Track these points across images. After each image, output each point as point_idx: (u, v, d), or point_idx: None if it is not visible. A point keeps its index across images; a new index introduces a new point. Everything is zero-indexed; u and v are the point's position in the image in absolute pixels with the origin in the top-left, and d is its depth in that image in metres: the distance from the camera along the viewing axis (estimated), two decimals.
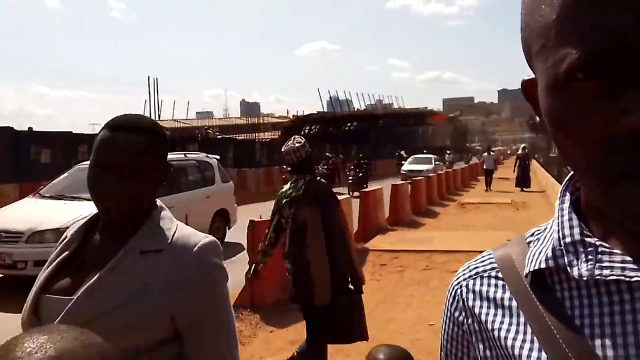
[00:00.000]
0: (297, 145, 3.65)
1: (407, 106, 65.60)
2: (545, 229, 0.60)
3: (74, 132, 16.64)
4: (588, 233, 0.53)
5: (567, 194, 0.58)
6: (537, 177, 24.68)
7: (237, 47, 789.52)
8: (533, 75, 0.54)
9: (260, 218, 5.98)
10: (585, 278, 0.50)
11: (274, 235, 3.68)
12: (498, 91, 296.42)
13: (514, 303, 0.57)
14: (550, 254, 0.54)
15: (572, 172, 0.58)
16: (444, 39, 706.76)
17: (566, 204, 0.56)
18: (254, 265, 3.95)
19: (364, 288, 3.73)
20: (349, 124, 43.56)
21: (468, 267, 0.65)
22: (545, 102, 0.49)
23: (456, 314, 0.64)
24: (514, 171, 20.96)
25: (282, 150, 3.76)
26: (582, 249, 0.52)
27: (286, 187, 3.66)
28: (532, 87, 0.54)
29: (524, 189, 19.84)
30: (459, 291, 0.64)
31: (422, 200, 14.20)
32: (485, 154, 24.36)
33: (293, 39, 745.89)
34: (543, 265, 0.55)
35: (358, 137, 42.14)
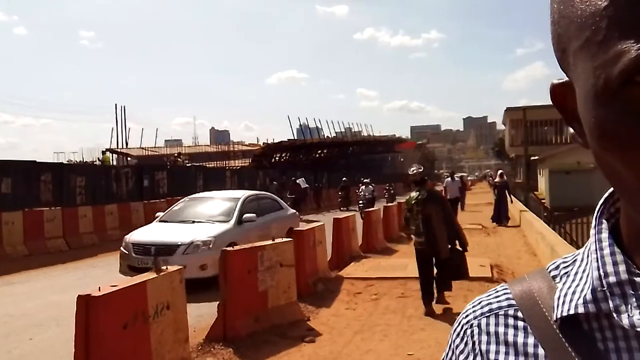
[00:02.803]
0: (419, 171, 6.97)
1: (376, 134, 66.46)
2: (575, 260, 0.51)
3: (37, 160, 16.12)
4: (637, 271, 0.44)
5: (604, 221, 0.49)
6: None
7: (207, 75, 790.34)
8: (566, 78, 0.45)
9: (233, 247, 5.82)
10: (638, 329, 0.42)
11: (405, 223, 7.00)
12: (463, 119, 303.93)
13: (540, 351, 0.47)
14: (589, 297, 0.45)
15: (606, 195, 0.50)
16: (410, 69, 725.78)
17: (604, 234, 0.47)
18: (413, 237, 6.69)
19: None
20: (319, 151, 43.73)
21: (479, 303, 0.54)
22: (590, 112, 0.40)
23: (462, 358, 0.53)
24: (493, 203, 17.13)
25: (409, 173, 7.17)
26: (631, 292, 0.43)
27: (413, 194, 6.62)
28: (564, 92, 0.45)
29: (505, 224, 16.03)
30: (468, 331, 0.53)
31: (394, 227, 14.21)
32: (449, 179, 19.45)
33: (263, 67, 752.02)
34: (581, 310, 0.45)
35: (328, 164, 42.32)
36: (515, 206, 17.71)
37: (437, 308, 6.52)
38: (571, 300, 0.47)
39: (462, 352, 0.53)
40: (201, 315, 6.39)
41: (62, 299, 7.32)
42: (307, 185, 24.72)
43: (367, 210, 14.32)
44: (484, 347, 0.51)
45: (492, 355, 0.50)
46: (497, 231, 14.64)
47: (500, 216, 16.30)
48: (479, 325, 0.53)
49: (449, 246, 6.44)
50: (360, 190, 20.88)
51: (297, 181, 23.46)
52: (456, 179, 19.67)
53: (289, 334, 5.73)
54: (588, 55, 0.39)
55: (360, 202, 20.39)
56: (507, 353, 0.49)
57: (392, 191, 28.30)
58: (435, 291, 6.58)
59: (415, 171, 6.96)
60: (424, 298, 6.49)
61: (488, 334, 0.51)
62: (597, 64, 0.38)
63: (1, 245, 11.99)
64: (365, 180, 21.27)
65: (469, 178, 56.91)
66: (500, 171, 18.55)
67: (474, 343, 0.52)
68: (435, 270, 6.59)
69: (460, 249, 6.52)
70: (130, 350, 3.94)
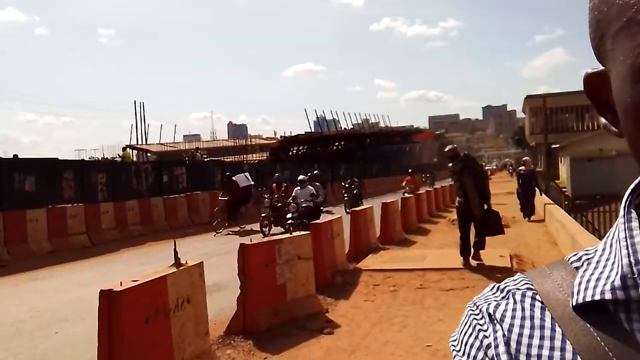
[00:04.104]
0: (453, 147, 8.82)
1: (394, 125, 66.12)
2: (596, 251, 0.51)
3: (59, 158, 16.42)
4: None
5: (632, 210, 0.48)
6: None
7: (224, 69, 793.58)
8: (600, 68, 0.45)
9: (251, 241, 5.87)
10: None
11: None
12: (482, 108, 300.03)
13: (558, 330, 0.47)
14: (618, 283, 0.45)
15: (634, 184, 0.49)
16: (428, 59, 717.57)
17: (635, 223, 0.46)
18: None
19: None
20: (336, 144, 43.71)
21: (496, 286, 0.54)
22: (627, 92, 0.40)
23: (477, 334, 0.52)
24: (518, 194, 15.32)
25: (445, 150, 8.90)
26: None
27: (450, 165, 8.45)
28: (598, 82, 0.45)
29: (529, 219, 14.55)
30: (484, 307, 0.52)
31: (412, 218, 14.16)
32: None
33: (279, 60, 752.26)
34: (608, 296, 0.45)
35: (346, 156, 42.27)
36: (540, 199, 15.63)
37: (473, 263, 8.12)
38: (595, 287, 0.46)
39: (474, 328, 0.52)
40: (222, 308, 6.48)
41: (86, 294, 7.48)
42: (250, 183, 16.51)
43: (354, 209, 14.11)
44: (498, 316, 0.51)
45: (505, 326, 0.49)
46: (516, 221, 14.48)
47: (526, 209, 14.68)
48: (496, 306, 0.52)
49: (485, 207, 8.16)
50: (296, 192, 12.87)
51: (235, 178, 16.38)
52: None
53: (307, 326, 5.77)
54: (628, 35, 0.40)
55: (345, 195, 19.37)
56: (522, 326, 0.49)
57: (430, 178, 29.40)
58: (472, 249, 8.27)
59: (450, 148, 8.89)
60: (462, 251, 8.20)
61: (505, 310, 0.51)
62: (638, 42, 0.39)
63: (26, 242, 12.28)
64: (301, 178, 13.27)
65: (487, 167, 56.15)
66: (525, 158, 16.31)
67: (489, 315, 0.51)
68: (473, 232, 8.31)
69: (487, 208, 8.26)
70: (152, 344, 4.02)
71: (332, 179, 33.92)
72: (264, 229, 13.36)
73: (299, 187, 12.80)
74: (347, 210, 15.95)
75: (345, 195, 19.74)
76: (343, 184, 22.23)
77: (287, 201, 13.02)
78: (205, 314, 4.73)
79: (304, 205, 12.39)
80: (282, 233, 11.42)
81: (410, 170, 19.60)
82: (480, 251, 8.38)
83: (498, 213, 8.42)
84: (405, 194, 16.22)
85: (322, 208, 13.89)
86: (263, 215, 13.62)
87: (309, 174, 15.73)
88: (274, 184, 15.14)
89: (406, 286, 7.33)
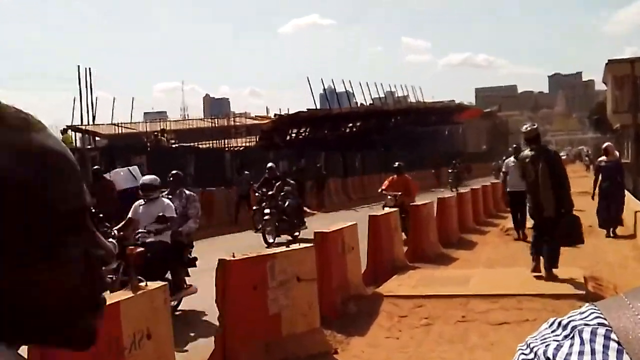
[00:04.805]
0: (532, 127, 9.23)
1: (428, 99, 66.08)
2: None
3: None
4: None
5: None
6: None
7: (199, 25, 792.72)
8: None
9: (234, 256, 5.90)
10: None
11: (522, 180, 9.45)
12: (548, 77, 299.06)
13: None
14: None
15: None
16: (476, 10, 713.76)
17: None
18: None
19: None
20: (349, 125, 43.75)
21: (557, 322, 0.55)
22: None
23: None
24: (593, 196, 13.98)
25: (522, 131, 9.26)
26: None
27: (527, 152, 8.93)
28: None
29: (613, 233, 13.45)
30: (540, 350, 0.54)
31: (452, 226, 14.17)
32: (510, 159, 14.37)
33: (274, 12, 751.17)
34: None
35: (363, 141, 42.30)
36: (627, 203, 14.28)
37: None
38: None
39: None
40: (195, 345, 6.51)
41: None
42: (136, 184, 11.31)
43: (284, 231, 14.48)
44: None
45: None
46: (594, 231, 14.44)
47: (610, 218, 13.57)
48: (556, 348, 0.53)
49: (562, 210, 8.49)
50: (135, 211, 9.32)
51: (111, 175, 15.36)
52: None
53: None
54: None
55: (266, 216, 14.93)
56: None
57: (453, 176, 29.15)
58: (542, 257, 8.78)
59: (528, 128, 9.20)
60: (532, 253, 8.95)
61: (569, 355, 0.51)
62: None
63: None
64: (145, 181, 8.90)
65: None
66: (607, 144, 14.91)
67: None
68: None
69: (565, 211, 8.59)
70: None
71: (345, 173, 34.00)
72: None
73: (142, 202, 8.52)
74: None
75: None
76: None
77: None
78: (171, 353, 4.76)
79: (147, 240, 7.88)
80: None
81: (398, 165, 14.76)
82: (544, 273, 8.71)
83: (578, 217, 8.70)
84: (386, 207, 13.34)
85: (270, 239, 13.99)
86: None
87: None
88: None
89: (443, 318, 7.35)
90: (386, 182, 14.77)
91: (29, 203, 0.62)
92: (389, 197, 14.21)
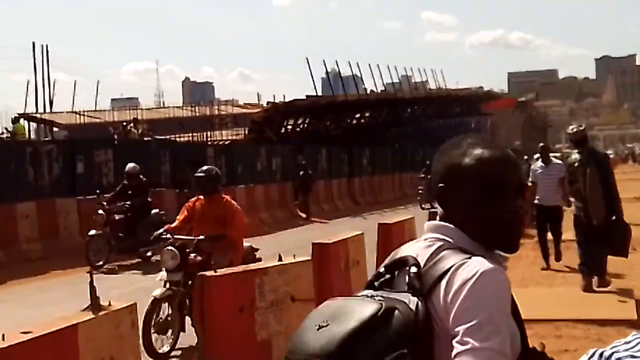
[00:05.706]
0: (579, 129, 9.90)
1: (451, 86, 66.10)
2: None
3: None
4: None
5: None
6: None
7: None
8: None
9: (215, 271, 5.89)
10: None
11: (569, 187, 10.20)
12: (595, 60, 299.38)
13: None
14: None
15: None
16: None
17: None
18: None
19: None
20: (357, 115, 43.80)
21: (598, 353, 0.61)
22: None
23: None
24: None
25: (568, 132, 10.24)
26: None
27: (575, 156, 9.63)
28: None
29: None
30: None
31: None
32: (538, 163, 13.62)
33: None
34: None
35: (373, 134, 42.32)
36: None
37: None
38: None
39: None
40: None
41: None
42: None
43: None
44: None
45: None
46: None
47: None
48: None
49: (613, 217, 9.11)
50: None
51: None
52: (556, 162, 13.45)
53: None
54: None
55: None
56: None
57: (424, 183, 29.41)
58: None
59: (575, 129, 9.84)
60: (582, 270, 9.56)
61: None
62: None
63: None
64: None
65: None
66: None
67: None
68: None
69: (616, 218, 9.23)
70: None
71: (351, 172, 33.98)
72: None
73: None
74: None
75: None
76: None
77: None
78: None
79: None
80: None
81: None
82: (596, 289, 9.37)
83: (629, 226, 9.25)
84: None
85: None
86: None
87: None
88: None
89: None
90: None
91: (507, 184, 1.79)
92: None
